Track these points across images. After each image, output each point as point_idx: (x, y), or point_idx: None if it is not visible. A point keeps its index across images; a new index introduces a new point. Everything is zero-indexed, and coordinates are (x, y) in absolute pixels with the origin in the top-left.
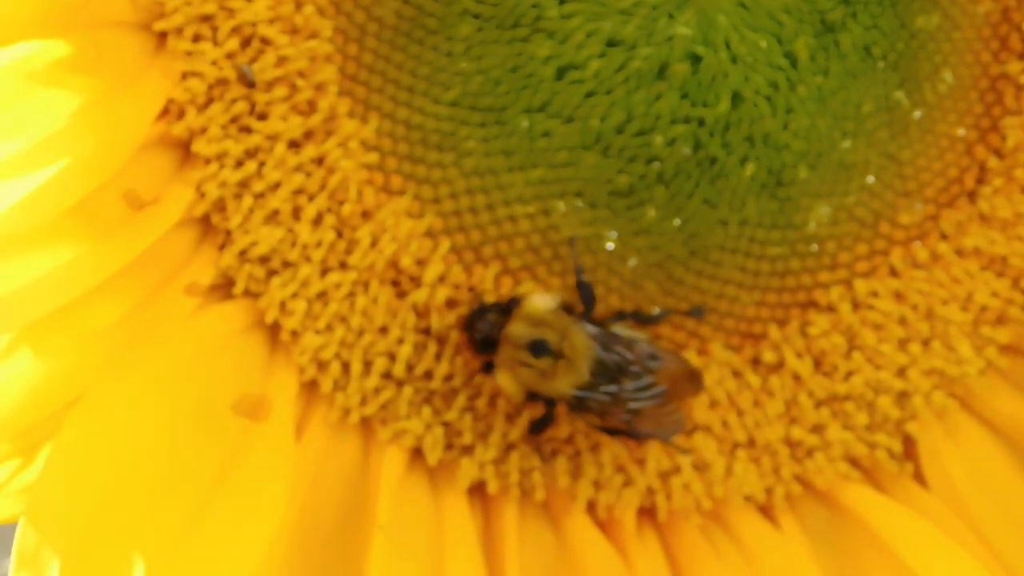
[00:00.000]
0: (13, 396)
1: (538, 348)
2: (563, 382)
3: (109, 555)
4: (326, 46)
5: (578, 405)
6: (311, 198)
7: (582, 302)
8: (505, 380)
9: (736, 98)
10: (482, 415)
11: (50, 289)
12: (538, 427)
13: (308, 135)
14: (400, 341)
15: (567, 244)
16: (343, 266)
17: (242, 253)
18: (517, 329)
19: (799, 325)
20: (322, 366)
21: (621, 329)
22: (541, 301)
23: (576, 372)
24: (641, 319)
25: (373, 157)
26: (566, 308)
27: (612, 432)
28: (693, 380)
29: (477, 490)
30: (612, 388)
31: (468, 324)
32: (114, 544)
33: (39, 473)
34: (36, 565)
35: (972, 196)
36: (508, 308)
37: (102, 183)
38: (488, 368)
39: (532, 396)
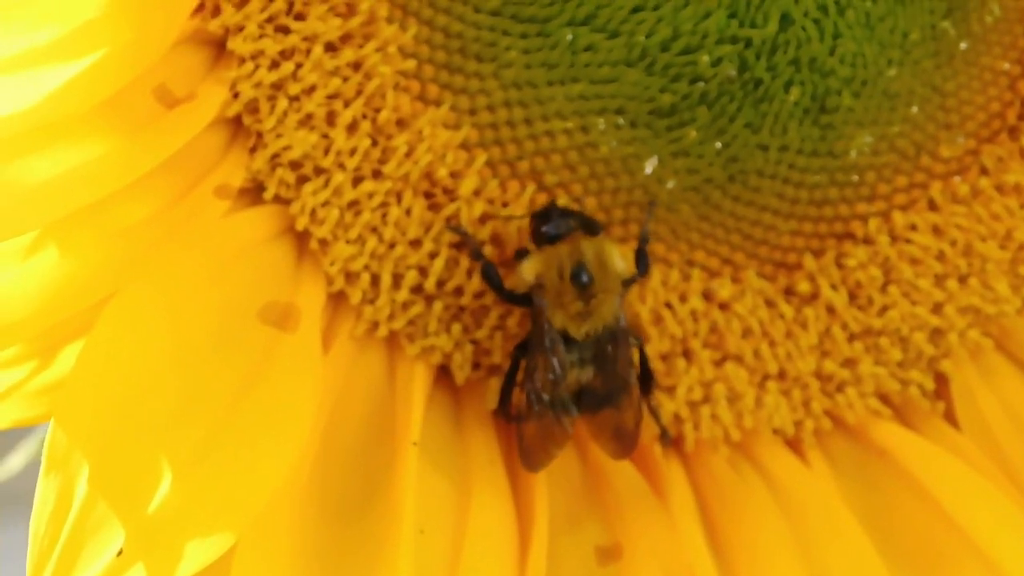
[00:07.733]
0: (37, 294)
1: (579, 275)
2: (562, 317)
3: (138, 463)
4: None
5: (539, 337)
6: (347, 103)
7: (637, 267)
8: (529, 267)
9: (785, 19)
10: (512, 335)
11: (79, 184)
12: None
13: (346, 38)
14: (433, 255)
15: (647, 206)
16: (377, 175)
17: (274, 157)
18: (588, 247)
19: (835, 256)
20: (351, 277)
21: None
22: (622, 260)
23: (576, 324)
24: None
25: (411, 64)
26: (625, 281)
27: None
28: (618, 440)
29: None
30: (569, 360)
31: (557, 209)
32: (142, 452)
33: (69, 375)
34: (67, 468)
35: (1014, 132)
36: (594, 228)
37: (135, 78)
38: (521, 254)
39: (521, 298)
